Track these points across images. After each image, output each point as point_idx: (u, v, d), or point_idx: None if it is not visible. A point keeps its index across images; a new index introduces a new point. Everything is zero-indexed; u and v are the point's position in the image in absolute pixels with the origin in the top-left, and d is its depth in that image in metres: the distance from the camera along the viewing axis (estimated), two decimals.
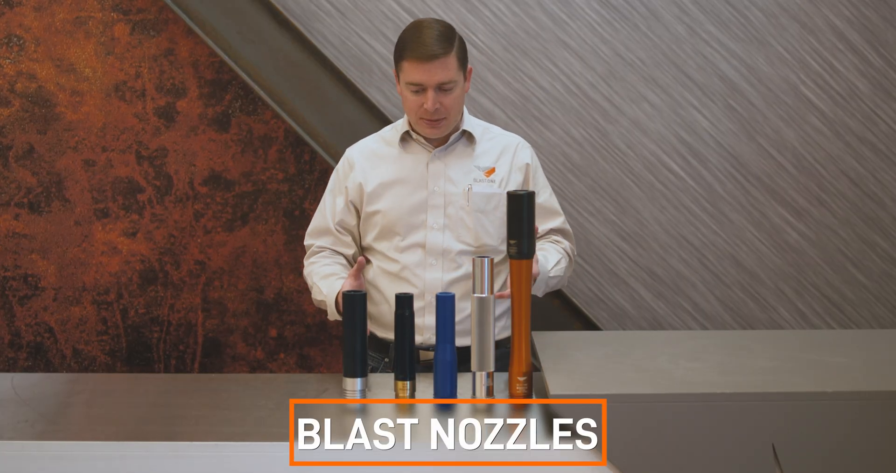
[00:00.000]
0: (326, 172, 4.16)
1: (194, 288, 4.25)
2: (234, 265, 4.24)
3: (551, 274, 3.01)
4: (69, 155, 4.18)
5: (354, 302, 2.62)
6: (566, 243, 3.16)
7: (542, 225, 3.12)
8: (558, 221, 3.17)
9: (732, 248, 4.03)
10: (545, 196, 3.15)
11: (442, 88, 2.98)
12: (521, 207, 2.62)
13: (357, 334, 2.62)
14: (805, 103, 3.99)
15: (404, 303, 2.65)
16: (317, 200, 4.16)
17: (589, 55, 3.96)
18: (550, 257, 3.05)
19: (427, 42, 2.95)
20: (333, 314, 3.01)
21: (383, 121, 3.86)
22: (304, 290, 4.24)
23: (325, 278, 3.05)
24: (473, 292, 2.61)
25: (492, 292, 2.61)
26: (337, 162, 3.85)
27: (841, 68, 3.98)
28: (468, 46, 3.92)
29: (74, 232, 4.22)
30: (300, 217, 4.21)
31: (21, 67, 4.15)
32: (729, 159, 4.01)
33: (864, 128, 4.00)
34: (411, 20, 3.88)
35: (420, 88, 2.98)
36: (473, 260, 2.60)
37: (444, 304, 2.62)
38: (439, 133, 3.06)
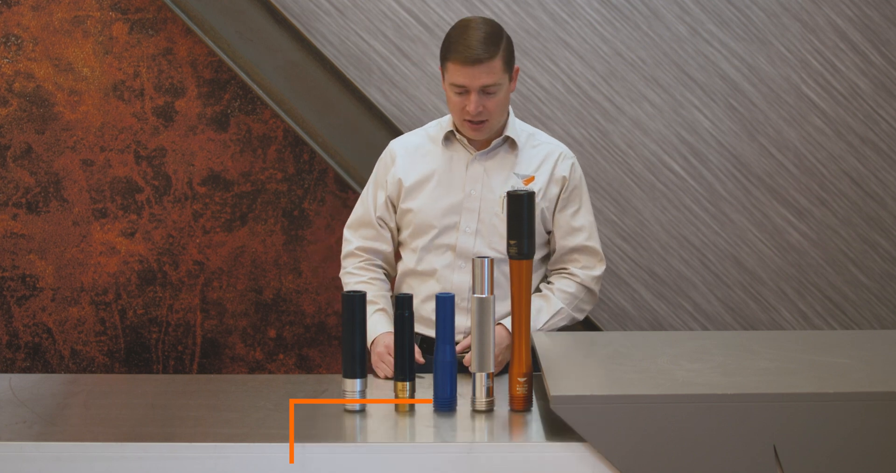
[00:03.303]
0: (325, 172, 4.15)
1: (193, 289, 4.24)
2: (233, 266, 4.23)
3: (538, 327, 3.00)
4: (67, 155, 4.17)
5: (354, 303, 2.60)
6: (581, 275, 3.10)
7: (563, 241, 3.09)
8: (580, 237, 3.09)
9: (733, 248, 4.02)
10: (571, 211, 3.09)
11: (485, 92, 2.95)
12: (521, 207, 2.61)
13: (356, 335, 2.60)
14: (806, 103, 3.98)
15: (404, 304, 2.64)
16: (316, 200, 4.15)
17: (589, 55, 3.96)
18: (542, 314, 3.03)
19: (472, 45, 2.92)
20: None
21: (382, 120, 3.86)
22: (303, 290, 4.23)
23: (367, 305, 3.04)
24: (473, 293, 2.59)
25: (492, 292, 2.60)
26: (336, 162, 3.86)
27: (842, 68, 3.97)
28: None
29: (72, 232, 4.21)
30: (299, 217, 4.20)
31: (19, 67, 4.14)
32: (730, 159, 4.00)
33: (865, 127, 4.00)
34: (410, 19, 3.88)
35: (463, 91, 2.95)
36: (473, 260, 2.59)
37: (444, 304, 2.61)
38: (482, 135, 3.04)
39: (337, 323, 4.24)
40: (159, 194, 4.20)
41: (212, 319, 4.26)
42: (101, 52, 4.14)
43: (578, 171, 3.13)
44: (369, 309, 3.03)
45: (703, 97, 3.98)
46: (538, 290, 3.10)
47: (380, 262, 3.16)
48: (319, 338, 4.28)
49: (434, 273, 3.06)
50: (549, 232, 3.11)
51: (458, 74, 2.94)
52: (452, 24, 3.87)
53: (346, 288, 3.12)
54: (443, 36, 3.87)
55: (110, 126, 4.17)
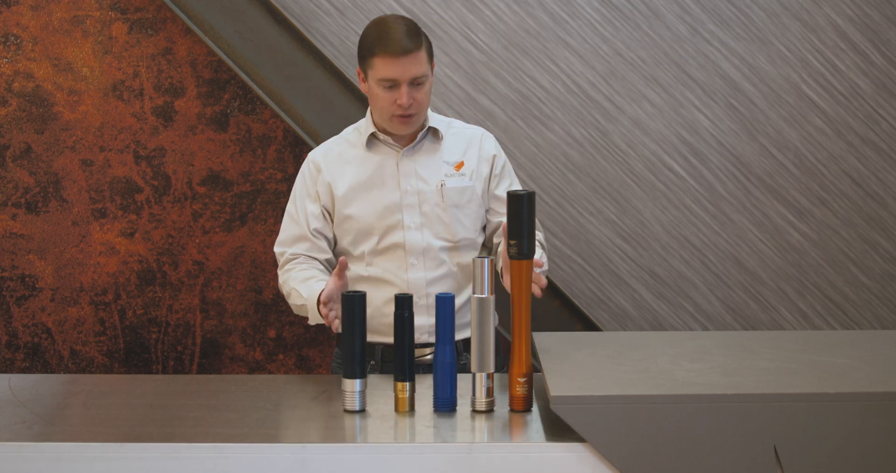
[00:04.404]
0: None
1: (192, 289, 4.24)
2: (233, 266, 4.23)
3: (545, 268, 2.99)
4: (67, 155, 4.17)
5: (354, 303, 2.60)
6: (539, 235, 3.12)
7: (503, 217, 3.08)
8: None
9: (734, 248, 4.02)
10: (506, 185, 3.13)
11: (415, 83, 2.97)
12: (521, 207, 2.60)
13: (356, 335, 2.60)
14: (807, 103, 3.98)
15: (404, 304, 2.63)
16: None
17: (590, 54, 3.95)
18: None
19: (398, 38, 2.94)
20: (316, 318, 2.94)
21: None
22: None
23: (304, 282, 3.00)
24: (473, 293, 2.59)
25: (492, 292, 2.60)
26: None
27: (843, 67, 3.97)
28: (468, 45, 3.92)
29: (72, 232, 4.21)
30: None
31: (18, 67, 4.14)
32: (730, 159, 4.00)
33: (866, 127, 3.99)
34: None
35: (393, 84, 2.96)
36: (474, 261, 2.58)
37: (444, 304, 2.61)
38: (410, 128, 3.04)
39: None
40: (159, 194, 4.20)
41: (211, 319, 4.25)
42: (100, 52, 4.14)
43: (501, 148, 3.18)
44: (308, 281, 2.99)
45: (703, 97, 3.98)
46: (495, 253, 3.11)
47: (318, 266, 3.10)
48: (319, 338, 4.27)
49: (387, 276, 3.05)
50: (486, 210, 3.14)
51: (388, 67, 2.94)
52: (452, 24, 3.89)
53: (289, 282, 3.04)
54: (443, 36, 3.88)
55: (110, 126, 4.17)
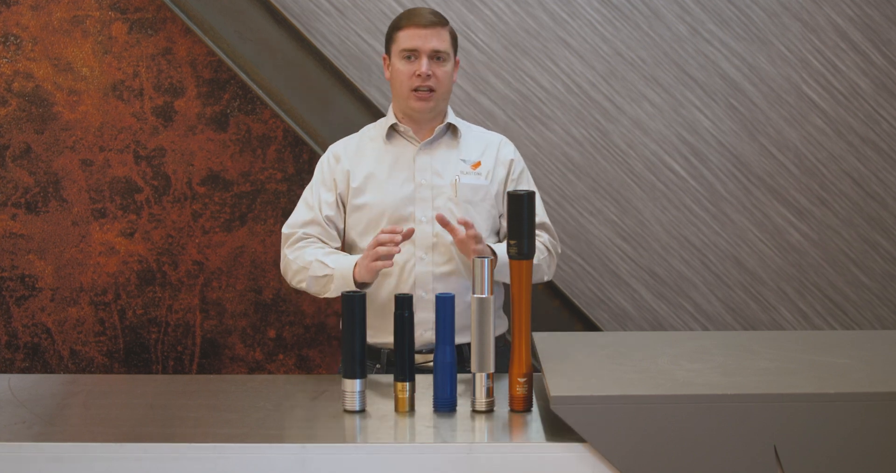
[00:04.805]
0: None
1: (192, 289, 4.23)
2: (233, 266, 4.22)
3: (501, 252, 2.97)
4: (66, 155, 4.17)
5: (354, 303, 2.60)
6: (545, 237, 3.14)
7: None
8: (539, 215, 3.11)
9: (734, 248, 4.02)
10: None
11: (435, 58, 3.03)
12: (521, 207, 2.60)
13: (356, 335, 2.60)
14: (807, 103, 3.98)
15: (404, 304, 2.63)
16: None
17: (590, 54, 3.95)
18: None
19: (423, 13, 3.06)
20: (341, 285, 2.93)
21: None
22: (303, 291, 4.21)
23: (328, 255, 3.01)
24: (473, 293, 2.59)
25: (491, 292, 2.59)
26: None
27: (843, 67, 3.97)
28: (468, 45, 3.92)
29: (72, 232, 4.20)
30: None
31: (18, 67, 4.14)
32: (730, 159, 4.00)
33: (866, 127, 3.99)
34: None
35: (414, 55, 3.03)
36: (473, 260, 2.58)
37: (444, 305, 2.60)
38: (429, 106, 3.06)
39: (336, 323, 4.23)
40: (159, 194, 4.19)
41: (211, 319, 4.25)
42: (100, 52, 4.14)
43: (520, 155, 3.21)
44: (333, 254, 3.02)
45: (703, 97, 3.98)
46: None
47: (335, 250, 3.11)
48: (319, 338, 4.27)
49: (394, 269, 3.03)
50: (500, 215, 3.15)
51: (410, 38, 3.04)
52: (452, 24, 3.88)
53: (305, 257, 3.02)
54: None
55: (109, 126, 4.17)
